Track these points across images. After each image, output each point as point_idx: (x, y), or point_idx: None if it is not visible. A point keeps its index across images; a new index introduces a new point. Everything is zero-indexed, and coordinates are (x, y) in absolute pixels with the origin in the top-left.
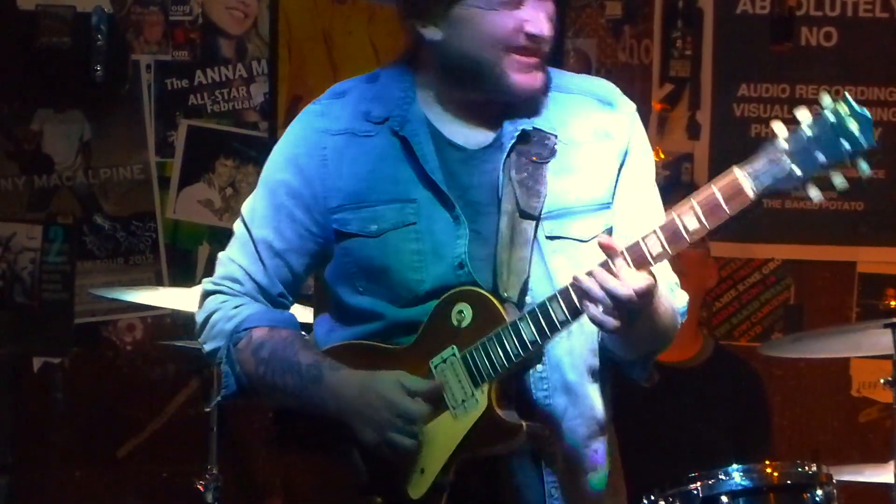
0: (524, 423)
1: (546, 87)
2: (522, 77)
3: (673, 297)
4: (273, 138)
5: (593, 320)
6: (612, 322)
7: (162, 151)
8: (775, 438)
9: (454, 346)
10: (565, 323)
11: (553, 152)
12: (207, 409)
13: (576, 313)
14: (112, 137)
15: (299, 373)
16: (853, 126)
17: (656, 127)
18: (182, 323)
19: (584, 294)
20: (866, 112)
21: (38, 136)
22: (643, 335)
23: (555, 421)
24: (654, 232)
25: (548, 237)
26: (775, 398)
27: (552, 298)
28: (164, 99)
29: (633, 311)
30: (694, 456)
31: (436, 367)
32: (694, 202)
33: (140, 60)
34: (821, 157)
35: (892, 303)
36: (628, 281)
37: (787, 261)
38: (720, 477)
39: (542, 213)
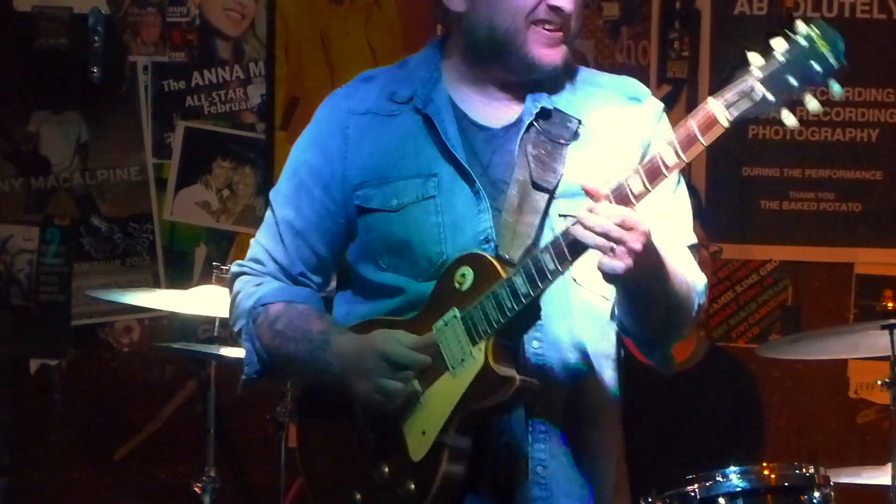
0: (518, 377)
1: (571, 70)
2: (545, 51)
3: (691, 277)
4: (270, 140)
5: (601, 267)
6: (619, 265)
7: (159, 153)
8: (773, 439)
9: (455, 308)
10: (556, 273)
11: (575, 135)
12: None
13: (564, 261)
14: (109, 139)
15: (310, 340)
16: (823, 47)
17: None
18: (179, 325)
19: (579, 241)
20: (836, 33)
21: (35, 137)
22: (657, 301)
23: (549, 389)
24: (636, 170)
25: (560, 215)
26: (773, 399)
27: (543, 249)
28: (161, 100)
29: (636, 254)
30: (690, 457)
31: (438, 329)
32: (672, 136)
33: (137, 62)
34: (792, 81)
35: (890, 304)
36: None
37: (785, 262)
38: (717, 478)
39: (557, 191)
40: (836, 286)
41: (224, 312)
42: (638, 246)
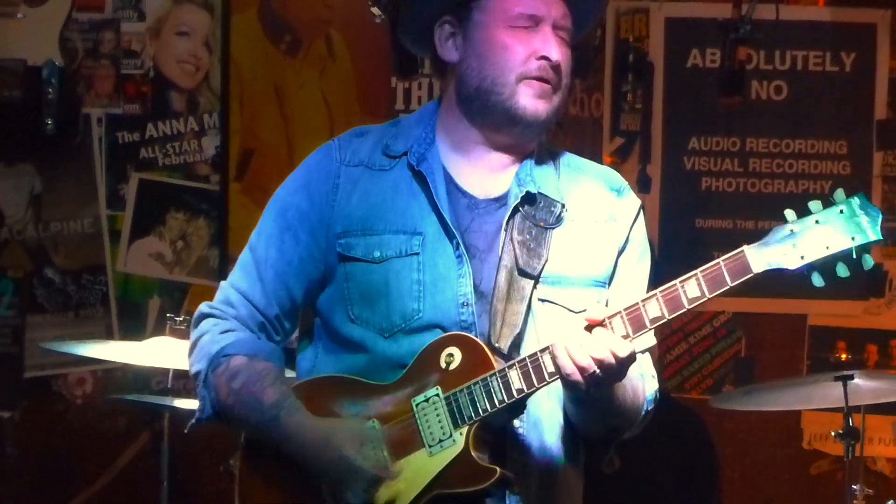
0: (498, 468)
1: (554, 153)
2: (531, 102)
3: (643, 385)
4: (225, 191)
5: (561, 373)
6: (581, 384)
7: (113, 205)
8: (727, 491)
9: (439, 387)
10: (553, 375)
11: (559, 220)
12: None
13: None
14: (63, 190)
15: (261, 411)
16: (863, 219)
17: None
18: (133, 377)
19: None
20: (877, 208)
21: None
22: (601, 410)
23: (526, 477)
24: (655, 296)
25: (540, 300)
26: (727, 451)
27: (543, 350)
28: (115, 152)
29: (599, 379)
30: None
31: (417, 404)
32: (699, 272)
33: (91, 114)
34: (827, 246)
35: (843, 356)
36: (612, 346)
37: (738, 314)
38: None
39: (541, 276)
40: (790, 338)
41: (178, 364)
42: (608, 382)
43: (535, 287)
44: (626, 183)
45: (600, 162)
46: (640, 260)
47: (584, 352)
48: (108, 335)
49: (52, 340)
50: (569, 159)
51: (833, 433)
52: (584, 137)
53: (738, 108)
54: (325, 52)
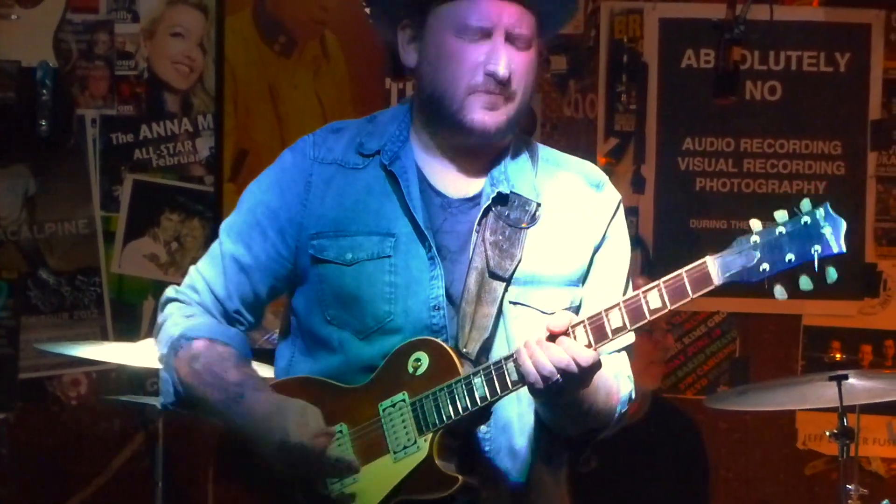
0: (460, 477)
1: (532, 148)
2: (480, 115)
3: (617, 385)
4: (219, 192)
5: (528, 382)
6: (554, 381)
7: (107, 206)
8: (721, 491)
9: (405, 392)
10: (517, 384)
11: (534, 219)
12: (159, 406)
13: None
14: (57, 192)
15: (224, 389)
16: (827, 231)
17: None
18: (127, 378)
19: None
20: (841, 220)
21: None
22: (572, 413)
23: (496, 482)
24: (618, 305)
25: (511, 302)
26: (721, 451)
27: (508, 358)
28: (109, 153)
29: (565, 385)
30: None
31: (384, 409)
32: (661, 282)
33: (85, 115)
34: (790, 258)
35: (838, 355)
36: (574, 354)
37: (733, 314)
38: None
39: (513, 277)
40: (785, 338)
41: None
42: (572, 390)
43: (506, 289)
44: (606, 177)
45: (595, 162)
46: (617, 257)
47: (546, 360)
48: (103, 336)
49: (47, 342)
50: (547, 153)
51: (828, 433)
52: (578, 138)
53: (732, 109)
54: (319, 53)
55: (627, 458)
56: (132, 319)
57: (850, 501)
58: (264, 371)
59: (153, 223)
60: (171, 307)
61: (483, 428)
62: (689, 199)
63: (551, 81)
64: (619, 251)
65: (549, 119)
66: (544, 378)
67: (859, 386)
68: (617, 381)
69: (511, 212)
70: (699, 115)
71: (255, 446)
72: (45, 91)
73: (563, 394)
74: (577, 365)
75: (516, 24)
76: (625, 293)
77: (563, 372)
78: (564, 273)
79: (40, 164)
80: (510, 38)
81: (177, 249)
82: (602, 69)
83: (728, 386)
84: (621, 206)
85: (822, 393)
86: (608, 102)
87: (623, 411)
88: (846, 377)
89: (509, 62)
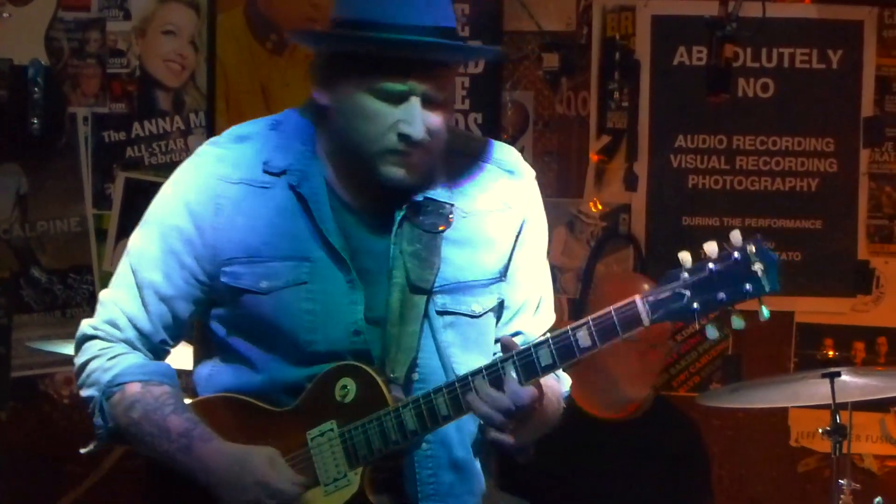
0: None
1: (425, 177)
2: (394, 171)
3: (558, 382)
4: None
5: (490, 439)
6: (507, 440)
7: (99, 204)
8: (714, 488)
9: (334, 422)
10: (448, 419)
11: (449, 222)
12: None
13: (460, 411)
14: (49, 190)
15: (168, 439)
16: (758, 268)
17: (594, 178)
18: None
19: (470, 405)
20: (774, 255)
21: None
22: (527, 431)
23: (440, 498)
24: (547, 343)
25: (438, 312)
26: (714, 449)
27: (438, 391)
28: (101, 151)
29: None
30: None
31: (312, 439)
32: (590, 320)
33: (77, 113)
34: (721, 296)
35: (830, 353)
36: (512, 396)
37: (725, 311)
38: None
39: (435, 286)
40: (777, 335)
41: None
42: (524, 422)
43: (430, 300)
44: (520, 159)
45: (587, 161)
46: (537, 238)
47: (489, 409)
48: None
49: (39, 340)
50: (457, 142)
51: (820, 430)
52: (570, 136)
53: (724, 106)
54: (311, 52)
55: (622, 455)
56: None
57: (842, 498)
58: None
59: None
60: (91, 347)
61: (424, 445)
62: (681, 196)
63: (543, 79)
64: (538, 231)
65: (541, 117)
66: (496, 424)
67: (852, 383)
68: (558, 380)
69: (425, 218)
70: (692, 113)
71: (217, 492)
72: (36, 89)
73: (519, 426)
74: (517, 405)
75: (435, 85)
76: (543, 271)
77: (507, 414)
78: (489, 269)
79: (32, 163)
80: (427, 100)
81: None
82: (594, 66)
83: (721, 383)
84: (535, 183)
85: (814, 390)
86: (600, 100)
87: (564, 405)
88: (839, 374)
89: (425, 122)
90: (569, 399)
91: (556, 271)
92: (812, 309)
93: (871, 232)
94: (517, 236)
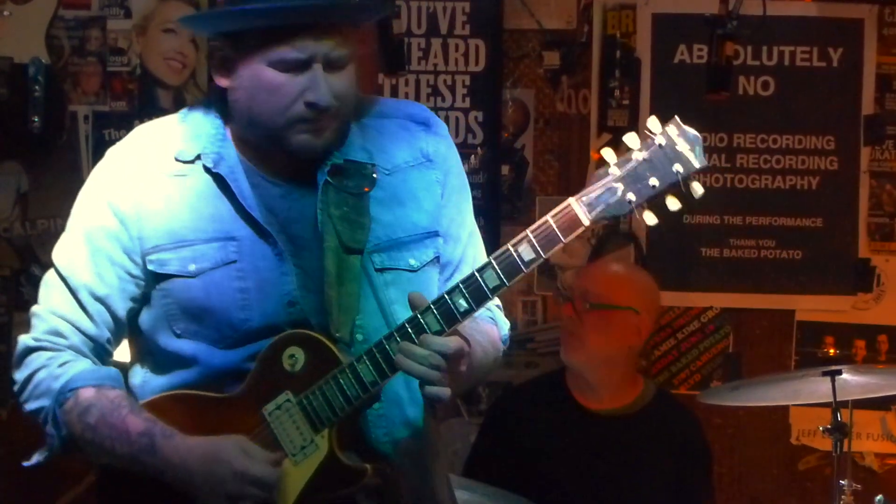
0: (368, 466)
1: (337, 142)
2: (303, 138)
3: (495, 327)
4: None
5: (425, 395)
6: (443, 392)
7: None
8: (714, 486)
9: (289, 392)
10: None
11: (373, 182)
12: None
13: None
14: (49, 188)
15: (129, 442)
16: (683, 147)
17: None
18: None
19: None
20: (695, 132)
21: None
22: (462, 379)
23: (397, 457)
24: (490, 264)
25: (377, 269)
26: (714, 446)
27: (389, 338)
28: (101, 150)
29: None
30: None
31: (270, 413)
32: (529, 233)
33: (78, 111)
34: (653, 182)
35: (831, 351)
36: (439, 345)
37: (726, 309)
38: None
39: (369, 246)
40: (777, 333)
41: None
42: (460, 371)
43: (368, 260)
44: (431, 112)
45: (588, 159)
46: (463, 193)
47: (416, 365)
48: None
49: None
50: (370, 106)
51: (821, 428)
52: (571, 133)
53: (725, 104)
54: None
55: (622, 453)
56: None
57: (843, 496)
58: None
59: None
60: (36, 359)
61: (376, 405)
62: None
63: (544, 77)
64: (461, 182)
65: (541, 115)
66: (425, 378)
67: (853, 381)
68: (494, 323)
69: (350, 180)
70: (692, 111)
71: (191, 488)
72: (37, 87)
73: (454, 377)
74: (444, 356)
75: (333, 47)
76: (474, 227)
77: (437, 367)
78: (421, 224)
79: (33, 161)
80: (329, 64)
81: None
82: (595, 64)
83: (721, 381)
84: (450, 136)
85: (815, 388)
86: (601, 98)
87: (505, 347)
88: (839, 372)
89: (330, 89)
90: (569, 399)
91: (557, 270)
92: (813, 307)
93: (871, 230)
94: (442, 190)
